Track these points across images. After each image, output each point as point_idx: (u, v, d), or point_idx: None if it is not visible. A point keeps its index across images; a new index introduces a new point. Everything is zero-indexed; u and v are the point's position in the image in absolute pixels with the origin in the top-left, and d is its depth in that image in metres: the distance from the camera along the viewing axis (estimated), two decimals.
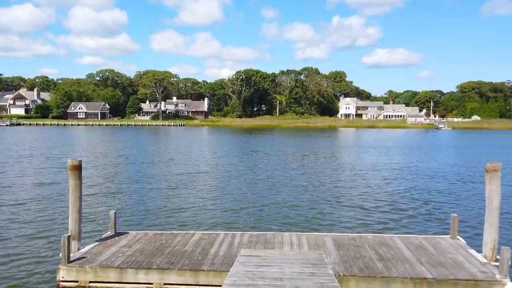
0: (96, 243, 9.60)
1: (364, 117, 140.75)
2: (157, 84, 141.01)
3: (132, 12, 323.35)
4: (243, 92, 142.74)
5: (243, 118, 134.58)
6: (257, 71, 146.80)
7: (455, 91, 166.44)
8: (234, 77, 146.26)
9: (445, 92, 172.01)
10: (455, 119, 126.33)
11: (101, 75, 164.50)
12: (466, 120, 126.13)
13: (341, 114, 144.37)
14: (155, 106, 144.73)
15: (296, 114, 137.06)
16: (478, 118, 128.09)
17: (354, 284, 7.79)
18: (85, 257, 8.52)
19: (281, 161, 32.76)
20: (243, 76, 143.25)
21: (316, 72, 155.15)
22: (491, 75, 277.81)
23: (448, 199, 18.16)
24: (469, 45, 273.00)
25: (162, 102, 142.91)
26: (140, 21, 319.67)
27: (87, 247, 9.20)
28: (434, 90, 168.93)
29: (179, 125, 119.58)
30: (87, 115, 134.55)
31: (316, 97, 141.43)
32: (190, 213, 15.24)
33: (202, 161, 32.53)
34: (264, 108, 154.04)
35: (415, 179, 23.98)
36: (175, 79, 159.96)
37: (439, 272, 7.96)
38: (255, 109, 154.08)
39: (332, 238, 10.21)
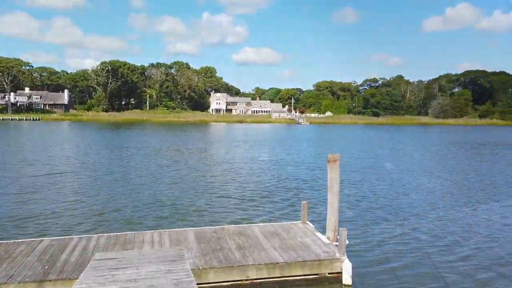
0: None
1: (233, 112, 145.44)
2: (5, 73, 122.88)
3: None
4: (109, 84, 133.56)
5: (110, 112, 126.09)
6: (125, 63, 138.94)
7: (312, 89, 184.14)
8: (99, 68, 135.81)
9: (304, 90, 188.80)
10: (312, 115, 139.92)
11: None
12: (321, 115, 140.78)
13: (212, 109, 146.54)
14: (3, 97, 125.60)
15: (168, 109, 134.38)
16: (331, 114, 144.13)
17: (213, 276, 8.01)
18: None
19: (153, 157, 31.74)
20: (109, 68, 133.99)
21: (187, 66, 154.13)
22: (341, 76, 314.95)
23: (304, 187, 20.01)
24: (323, 47, 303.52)
25: (12, 93, 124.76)
26: None
27: None
28: (295, 88, 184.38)
29: (34, 119, 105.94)
30: None
31: (188, 91, 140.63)
32: (41, 219, 13.66)
33: (62, 160, 29.47)
34: (133, 102, 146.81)
35: (278, 170, 25.80)
36: (27, 68, 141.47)
37: (289, 256, 8.72)
38: (123, 103, 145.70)
39: (194, 232, 10.31)
